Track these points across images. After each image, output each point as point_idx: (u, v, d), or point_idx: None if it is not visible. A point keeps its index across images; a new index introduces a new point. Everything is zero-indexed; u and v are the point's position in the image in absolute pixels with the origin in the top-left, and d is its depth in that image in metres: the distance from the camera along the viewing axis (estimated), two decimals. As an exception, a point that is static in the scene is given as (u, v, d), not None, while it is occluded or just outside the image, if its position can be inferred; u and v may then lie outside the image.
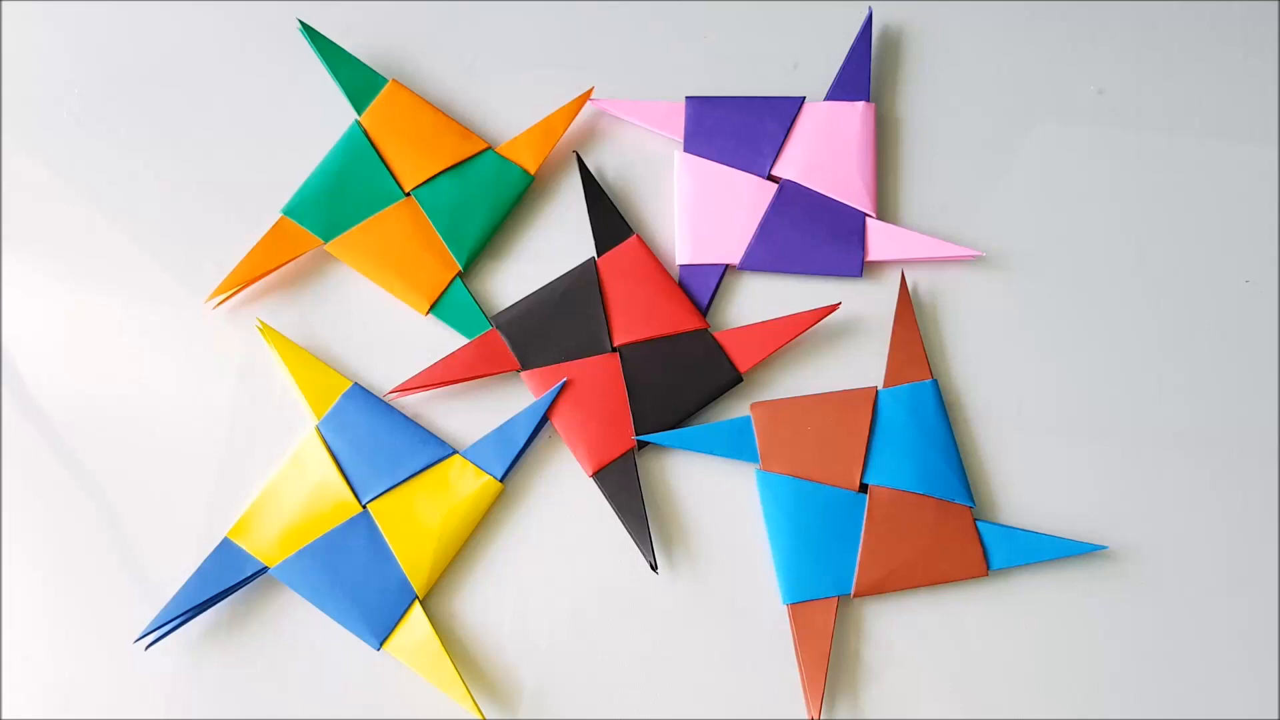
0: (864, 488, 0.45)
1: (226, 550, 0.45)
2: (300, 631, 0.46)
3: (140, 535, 0.47)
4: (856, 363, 0.48)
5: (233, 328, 0.49)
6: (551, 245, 0.49)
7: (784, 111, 0.50)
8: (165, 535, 0.47)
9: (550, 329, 0.47)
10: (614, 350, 0.47)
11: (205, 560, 0.45)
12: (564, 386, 0.46)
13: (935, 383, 0.46)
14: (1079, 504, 0.47)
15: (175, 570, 0.46)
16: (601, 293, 0.47)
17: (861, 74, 0.51)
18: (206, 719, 0.45)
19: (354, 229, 0.49)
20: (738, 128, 0.50)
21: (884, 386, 0.46)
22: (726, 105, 0.50)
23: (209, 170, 0.51)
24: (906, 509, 0.45)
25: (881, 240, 0.49)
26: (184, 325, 0.49)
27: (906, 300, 0.48)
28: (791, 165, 0.50)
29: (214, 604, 0.45)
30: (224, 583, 0.45)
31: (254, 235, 0.49)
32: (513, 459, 0.46)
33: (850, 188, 0.49)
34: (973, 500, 0.45)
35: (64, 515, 0.47)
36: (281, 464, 0.47)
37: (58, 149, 0.52)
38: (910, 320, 0.47)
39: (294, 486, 0.46)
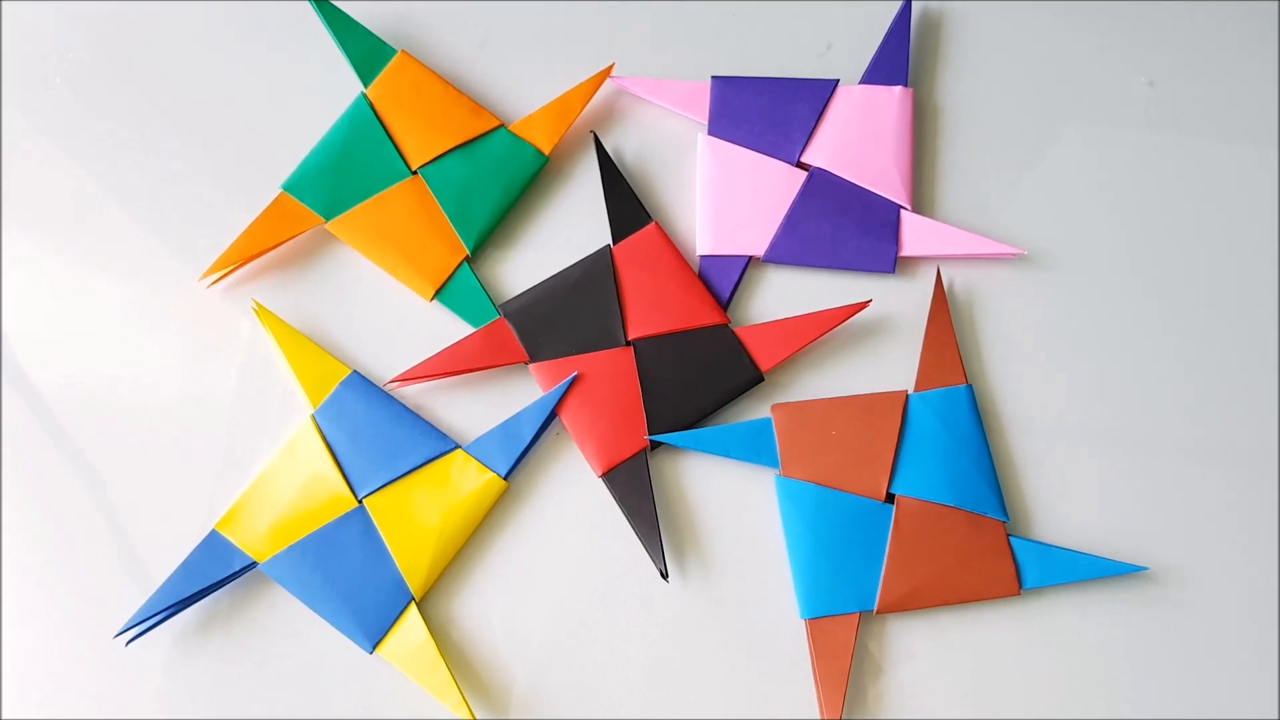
0: (890, 498, 0.43)
1: (214, 543, 0.43)
2: (290, 629, 0.44)
3: (126, 523, 0.45)
4: (886, 364, 0.46)
5: (227, 309, 0.47)
6: (565, 230, 0.48)
7: (816, 94, 0.48)
8: (152, 524, 0.45)
9: (561, 319, 0.45)
10: (628, 344, 0.45)
11: (191, 553, 0.43)
12: (574, 381, 0.44)
13: (970, 388, 0.44)
14: (1120, 521, 0.44)
15: (163, 561, 0.44)
16: (616, 283, 0.45)
17: (899, 57, 0.48)
18: (190, 719, 0.43)
19: (357, 208, 0.47)
20: (766, 110, 0.47)
21: (915, 390, 0.44)
22: (754, 86, 0.48)
23: (207, 142, 0.49)
24: (935, 522, 0.43)
25: (916, 234, 0.46)
26: (176, 305, 0.47)
27: (941, 299, 0.45)
28: (822, 152, 0.47)
29: (200, 599, 0.43)
30: (210, 577, 0.43)
31: (252, 212, 0.47)
32: (518, 456, 0.44)
33: (884, 178, 0.47)
34: (1006, 514, 0.43)
35: (46, 501, 0.45)
36: (274, 454, 0.45)
37: (51, 119, 0.50)
38: (945, 321, 0.45)
39: (287, 478, 0.44)
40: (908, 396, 0.44)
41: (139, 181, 0.49)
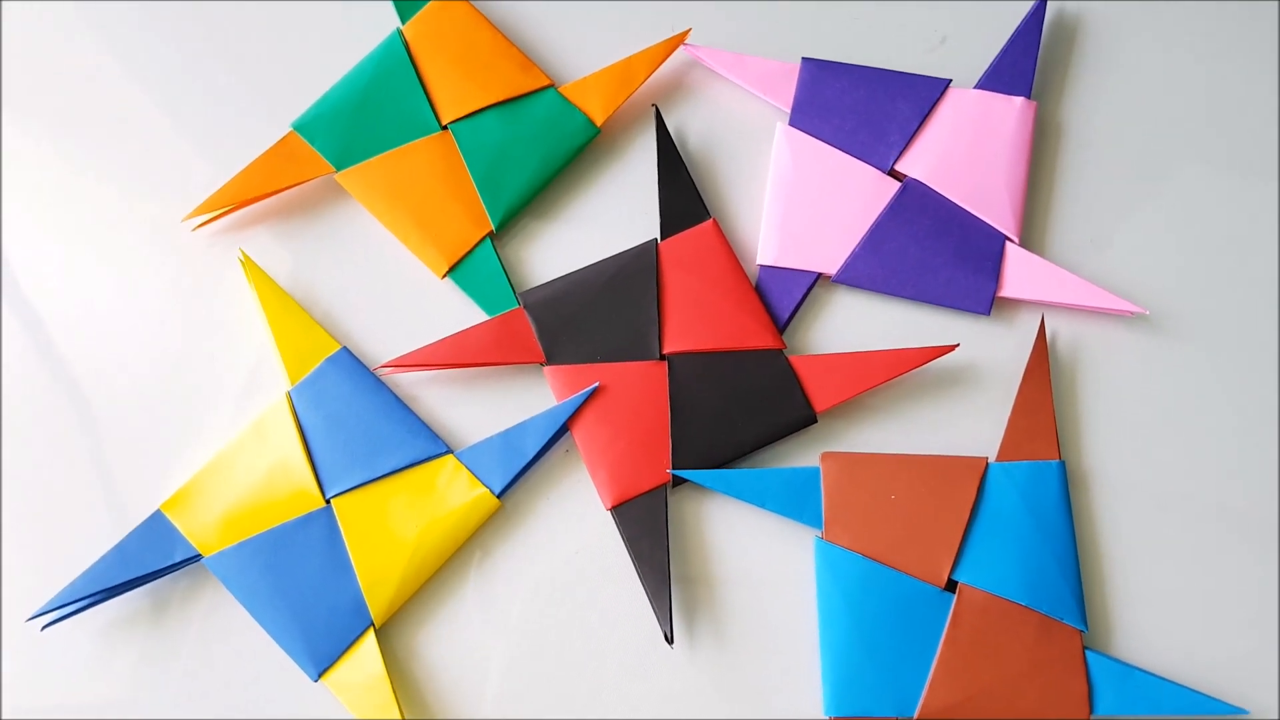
0: (952, 585, 0.37)
1: (156, 526, 0.38)
2: (230, 637, 0.38)
3: (57, 488, 0.40)
4: (966, 423, 0.40)
5: (213, 257, 0.42)
6: (607, 216, 0.43)
7: (922, 93, 0.42)
8: (90, 492, 0.40)
9: (589, 319, 0.40)
10: (662, 358, 0.40)
11: (129, 534, 0.38)
12: (594, 392, 0.39)
13: (1062, 464, 0.38)
14: (1221, 647, 0.38)
15: (92, 538, 0.39)
16: (659, 285, 0.40)
17: (1026, 63, 0.43)
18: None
19: (373, 159, 0.42)
20: (861, 105, 0.42)
21: (997, 459, 0.39)
22: (851, 75, 0.43)
23: (216, 66, 0.45)
24: (1001, 621, 0.37)
25: (1021, 273, 0.41)
26: (154, 246, 0.43)
27: (1043, 355, 0.40)
28: (921, 162, 0.42)
29: (133, 588, 0.38)
30: (147, 565, 0.38)
31: (255, 149, 0.43)
32: (517, 472, 0.39)
33: (991, 201, 0.41)
34: (1085, 623, 0.37)
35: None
36: (240, 431, 0.39)
37: (52, 23, 0.45)
38: (1043, 381, 0.39)
39: (249, 461, 0.39)
40: (988, 465, 0.38)
41: (135, 101, 0.44)
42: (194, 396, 0.41)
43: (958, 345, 0.39)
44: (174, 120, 0.44)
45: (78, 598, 0.37)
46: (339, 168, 0.42)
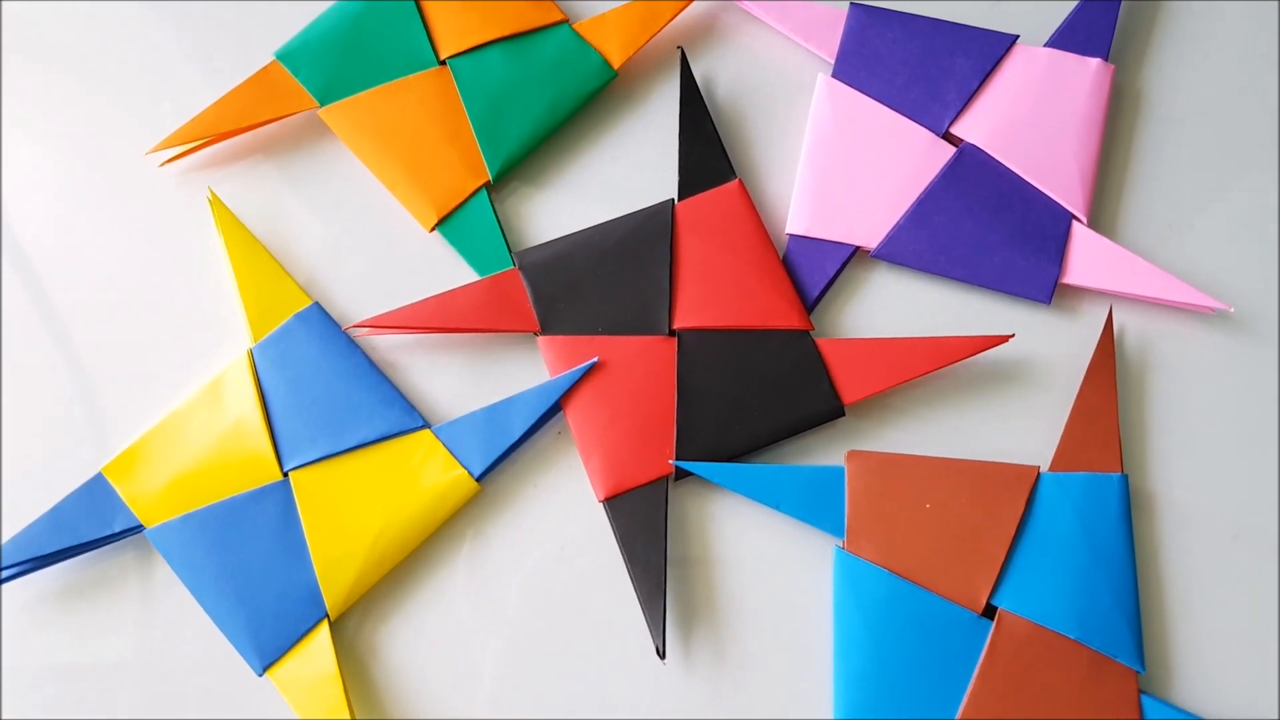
0: (990, 611, 0.33)
1: (96, 491, 0.35)
2: (170, 618, 0.35)
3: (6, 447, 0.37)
4: (1016, 426, 0.36)
5: (181, 197, 0.39)
6: (621, 170, 0.39)
7: (984, 49, 0.39)
8: (31, 452, 0.37)
9: (591, 286, 0.37)
10: (672, 334, 0.36)
11: (66, 499, 0.35)
12: (592, 368, 0.36)
13: (1124, 478, 0.34)
14: None
15: (35, 498, 0.35)
16: (673, 251, 0.37)
17: (1104, 21, 0.39)
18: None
19: (361, 95, 0.39)
20: (915, 58, 0.39)
21: (1050, 469, 0.35)
22: (905, 25, 0.39)
23: None
24: (1046, 655, 0.33)
25: (1088, 258, 0.37)
26: (118, 182, 0.39)
27: (1109, 352, 0.36)
28: (980, 125, 0.38)
29: (66, 558, 0.35)
30: (83, 534, 0.35)
31: (234, 79, 0.39)
32: (500, 454, 0.35)
33: (1058, 174, 0.37)
34: (1143, 663, 0.33)
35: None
36: (194, 390, 0.36)
37: None
38: (1108, 382, 0.35)
39: (202, 424, 0.35)
40: (1039, 475, 0.34)
41: (104, 19, 0.41)
42: (149, 349, 0.37)
43: (1012, 336, 0.35)
44: (145, 42, 0.40)
45: (4, 565, 0.34)
46: (323, 103, 0.38)
